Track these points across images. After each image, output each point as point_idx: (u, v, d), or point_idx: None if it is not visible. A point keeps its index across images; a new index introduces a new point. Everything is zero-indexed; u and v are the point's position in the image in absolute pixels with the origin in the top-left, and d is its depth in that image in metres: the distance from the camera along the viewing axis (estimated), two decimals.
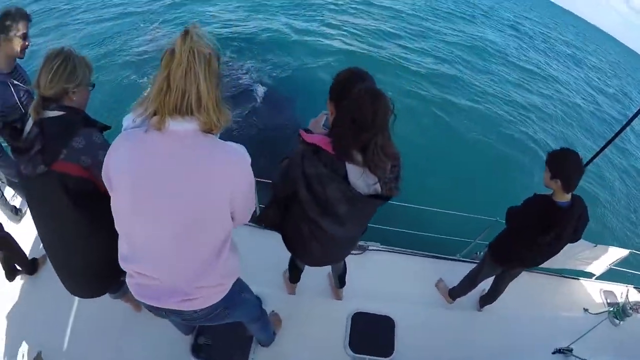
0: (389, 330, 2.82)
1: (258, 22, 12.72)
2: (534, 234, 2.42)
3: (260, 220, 2.02)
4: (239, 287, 1.65)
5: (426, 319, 3.07)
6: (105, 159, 1.25)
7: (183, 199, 1.21)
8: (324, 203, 1.63)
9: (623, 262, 4.27)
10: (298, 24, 13.06)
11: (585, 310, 3.78)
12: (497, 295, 3.17)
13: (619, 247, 3.90)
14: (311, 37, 12.16)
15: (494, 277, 3.04)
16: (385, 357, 2.71)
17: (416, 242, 3.76)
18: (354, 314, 2.84)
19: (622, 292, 4.24)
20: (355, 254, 3.26)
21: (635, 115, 2.67)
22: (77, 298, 2.48)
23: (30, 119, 1.58)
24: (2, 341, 2.48)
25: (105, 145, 1.55)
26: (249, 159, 1.32)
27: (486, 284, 3.16)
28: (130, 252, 1.34)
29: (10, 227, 2.79)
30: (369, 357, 2.69)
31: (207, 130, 1.22)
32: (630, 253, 3.84)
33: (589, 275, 4.13)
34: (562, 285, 4.00)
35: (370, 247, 3.39)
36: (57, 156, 1.52)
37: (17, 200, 3.28)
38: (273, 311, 2.73)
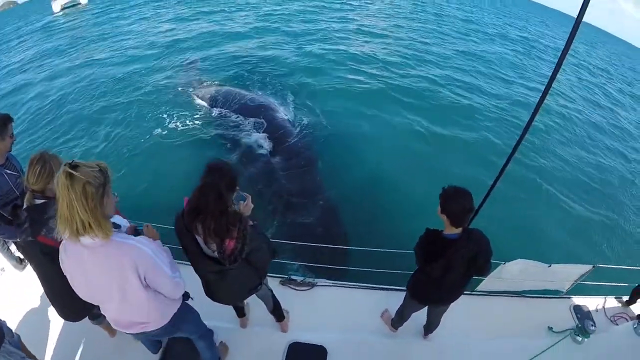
0: (321, 359, 3.23)
1: (270, 50, 13.84)
2: (426, 264, 2.63)
3: None
4: (184, 310, 2.38)
5: (363, 347, 3.35)
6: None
7: (110, 283, 1.87)
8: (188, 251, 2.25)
9: (599, 275, 4.19)
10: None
11: (550, 329, 3.77)
12: (432, 326, 3.35)
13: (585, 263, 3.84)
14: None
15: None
16: None
17: (372, 276, 4.03)
18: (290, 344, 3.27)
19: (599, 304, 4.16)
20: (302, 290, 3.70)
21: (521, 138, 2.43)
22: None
23: (25, 202, 2.37)
24: None
25: None
26: (141, 248, 1.84)
27: None
28: (98, 306, 2.11)
29: (15, 273, 3.93)
30: None
31: (104, 236, 1.71)
32: (596, 267, 3.78)
33: (557, 293, 4.10)
34: (524, 305, 3.99)
35: (319, 284, 3.77)
36: (39, 233, 2.32)
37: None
38: (222, 342, 3.29)
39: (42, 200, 2.34)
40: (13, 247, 4.03)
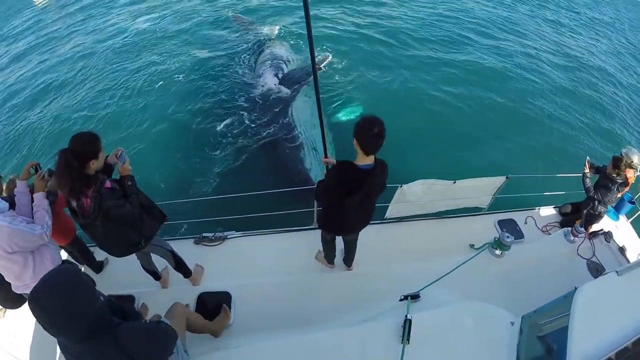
0: (226, 303, 3.36)
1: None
2: (341, 197, 2.61)
3: None
4: None
5: (266, 288, 3.46)
6: None
7: None
8: None
9: (525, 187, 4.02)
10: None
11: (472, 246, 3.71)
12: (349, 255, 3.45)
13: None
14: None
15: None
16: None
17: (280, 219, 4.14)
18: (200, 294, 3.45)
19: (530, 216, 4.00)
20: (215, 245, 3.85)
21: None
22: None
23: None
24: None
25: None
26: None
27: None
28: None
29: None
30: None
31: None
32: (509, 178, 3.64)
33: (478, 210, 3.97)
34: (447, 227, 3.95)
35: (229, 236, 3.87)
36: None
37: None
38: (143, 304, 3.55)
39: None
40: None
